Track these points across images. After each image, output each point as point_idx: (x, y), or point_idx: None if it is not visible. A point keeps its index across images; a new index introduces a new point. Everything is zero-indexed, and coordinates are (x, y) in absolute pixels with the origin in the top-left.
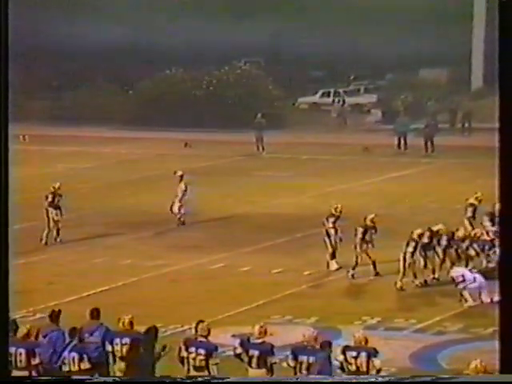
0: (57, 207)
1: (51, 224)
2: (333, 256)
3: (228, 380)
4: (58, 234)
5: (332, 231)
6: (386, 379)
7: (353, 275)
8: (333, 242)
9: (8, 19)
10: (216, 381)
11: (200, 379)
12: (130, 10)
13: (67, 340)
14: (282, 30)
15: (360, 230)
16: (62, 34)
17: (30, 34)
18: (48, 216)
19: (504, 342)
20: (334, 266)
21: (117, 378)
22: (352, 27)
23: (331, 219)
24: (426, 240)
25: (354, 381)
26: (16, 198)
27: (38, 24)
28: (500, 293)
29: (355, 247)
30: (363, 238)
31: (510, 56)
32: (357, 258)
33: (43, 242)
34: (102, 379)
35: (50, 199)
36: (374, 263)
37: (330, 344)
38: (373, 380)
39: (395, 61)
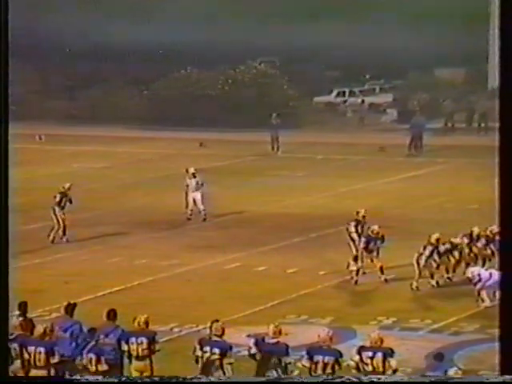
0: (63, 207)
1: (60, 223)
2: (355, 259)
3: (231, 380)
4: (64, 233)
5: (355, 235)
6: (388, 379)
7: (356, 281)
8: (357, 246)
9: (8, 18)
10: (218, 381)
11: (201, 380)
12: (145, 11)
13: (86, 334)
14: (297, 30)
15: (363, 240)
16: (78, 34)
17: (46, 35)
18: (55, 215)
19: (504, 342)
20: (354, 267)
21: (112, 379)
22: (367, 26)
23: (353, 223)
24: (442, 249)
25: (356, 381)
26: (31, 197)
27: (54, 25)
28: (500, 293)
29: (355, 258)
30: (366, 248)
31: (511, 56)
32: (358, 267)
33: (50, 239)
34: (102, 379)
35: (57, 199)
36: (381, 269)
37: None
38: (374, 380)
39: (411, 60)
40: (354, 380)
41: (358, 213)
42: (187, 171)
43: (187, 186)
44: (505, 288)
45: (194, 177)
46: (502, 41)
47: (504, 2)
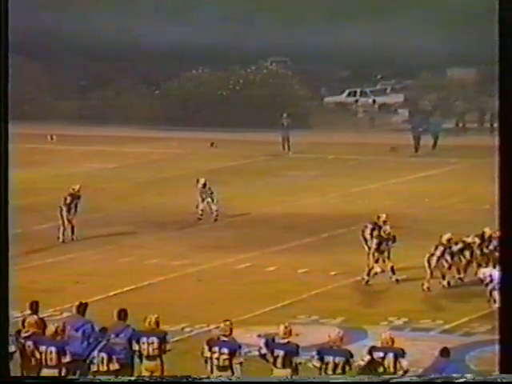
0: (70, 208)
1: (66, 223)
2: (377, 261)
3: (240, 380)
4: (72, 232)
5: (368, 237)
6: (389, 379)
7: (367, 282)
8: (371, 249)
9: (8, 18)
10: (227, 381)
11: (211, 380)
12: (156, 11)
13: (97, 333)
14: (308, 30)
15: (374, 241)
16: (90, 34)
17: (58, 35)
18: (62, 215)
19: (504, 342)
20: (377, 268)
21: (123, 378)
22: (379, 26)
23: (370, 226)
24: (455, 249)
25: (358, 381)
26: (43, 197)
27: (66, 25)
28: (500, 293)
29: (368, 256)
30: (378, 248)
31: (511, 56)
32: (369, 267)
33: (60, 240)
34: (113, 379)
35: (67, 201)
36: (392, 269)
37: None
38: (376, 380)
39: (423, 60)
40: (366, 380)
41: (378, 217)
42: (198, 182)
43: (200, 194)
44: (505, 288)
45: (204, 187)
46: (502, 41)
47: (504, 2)
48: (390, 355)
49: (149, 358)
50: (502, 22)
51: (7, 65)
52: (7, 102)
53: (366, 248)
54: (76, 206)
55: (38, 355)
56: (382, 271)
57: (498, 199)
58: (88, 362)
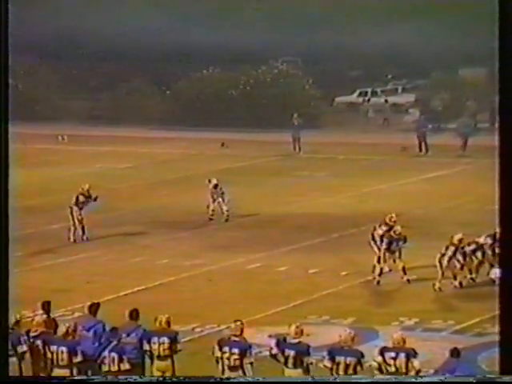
0: (80, 207)
1: (76, 223)
2: (379, 261)
3: (233, 380)
4: (83, 232)
5: (379, 238)
6: (388, 379)
7: (378, 282)
8: (381, 248)
9: (8, 18)
10: (238, 381)
11: (222, 380)
12: (167, 10)
13: (108, 333)
14: (320, 30)
15: (385, 240)
16: (100, 34)
17: (69, 36)
18: (72, 215)
19: (504, 342)
20: (386, 268)
21: (134, 378)
22: (390, 26)
23: (384, 227)
24: (468, 250)
25: (363, 381)
26: (54, 197)
27: (76, 26)
28: (500, 293)
29: (378, 260)
30: (388, 248)
31: (511, 56)
32: (381, 267)
33: (71, 240)
34: (123, 379)
35: (79, 200)
36: (403, 269)
37: None
38: (376, 380)
39: (434, 60)
40: (378, 381)
41: (390, 218)
42: (210, 182)
43: (211, 194)
44: (505, 288)
45: (216, 187)
46: (502, 41)
47: (504, 1)
48: (402, 355)
49: (160, 357)
50: (502, 21)
51: (7, 65)
52: (7, 102)
53: (376, 248)
54: (83, 206)
55: (49, 355)
56: (390, 270)
57: (498, 199)
58: (99, 361)
